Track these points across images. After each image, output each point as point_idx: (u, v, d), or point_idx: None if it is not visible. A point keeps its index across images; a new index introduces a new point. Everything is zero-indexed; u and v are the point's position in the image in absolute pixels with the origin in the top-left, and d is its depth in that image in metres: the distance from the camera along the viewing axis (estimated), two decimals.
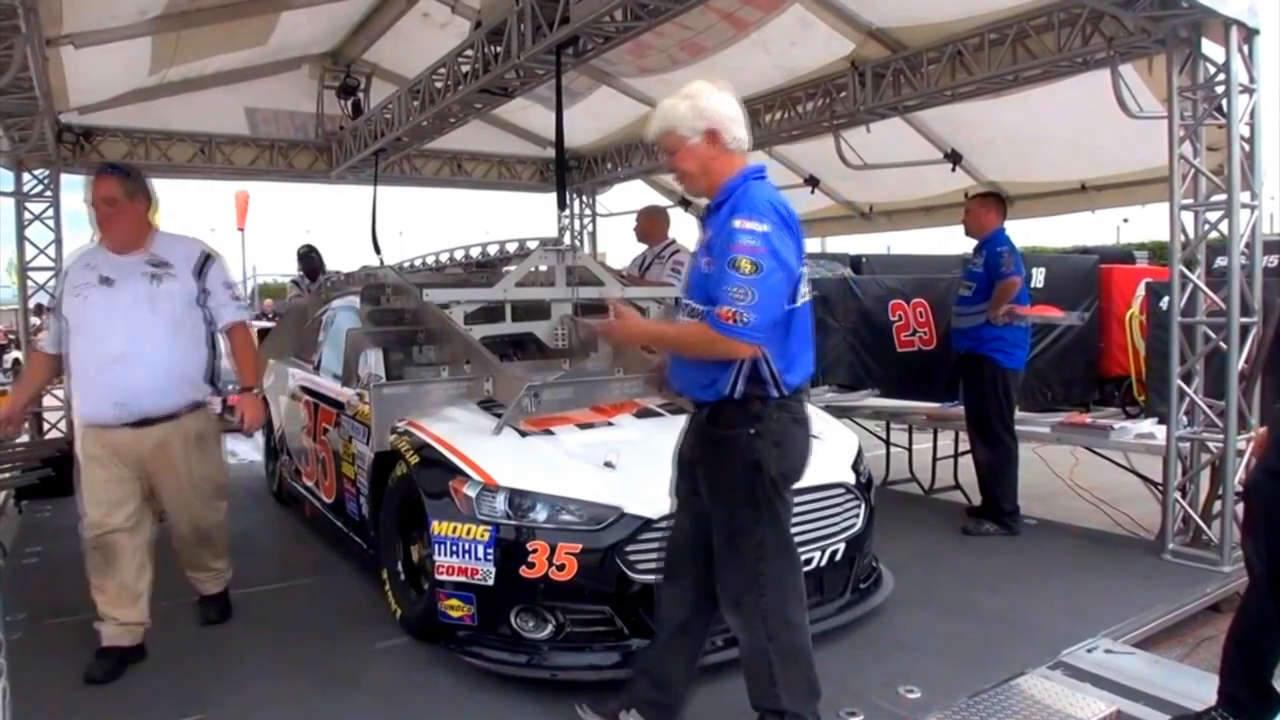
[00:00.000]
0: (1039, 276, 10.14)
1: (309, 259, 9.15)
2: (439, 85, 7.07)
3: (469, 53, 6.52)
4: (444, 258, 6.37)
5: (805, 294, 2.87)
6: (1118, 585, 4.71)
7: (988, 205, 5.89)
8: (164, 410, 3.92)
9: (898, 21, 6.62)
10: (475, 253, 6.05)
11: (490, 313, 5.18)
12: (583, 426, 4.08)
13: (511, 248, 5.69)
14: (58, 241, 8.37)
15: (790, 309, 2.80)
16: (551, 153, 8.90)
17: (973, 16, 6.10)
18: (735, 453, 2.84)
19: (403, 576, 4.27)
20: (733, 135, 2.89)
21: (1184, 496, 5.23)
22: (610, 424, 4.12)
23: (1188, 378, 5.15)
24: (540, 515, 3.58)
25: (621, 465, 3.74)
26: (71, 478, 7.48)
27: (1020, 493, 5.83)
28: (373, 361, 5.03)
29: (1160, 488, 5.39)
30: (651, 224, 7.03)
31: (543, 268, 5.43)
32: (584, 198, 11.45)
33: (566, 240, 6.75)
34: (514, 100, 7.08)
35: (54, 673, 3.76)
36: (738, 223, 2.70)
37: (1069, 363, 10.65)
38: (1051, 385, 10.50)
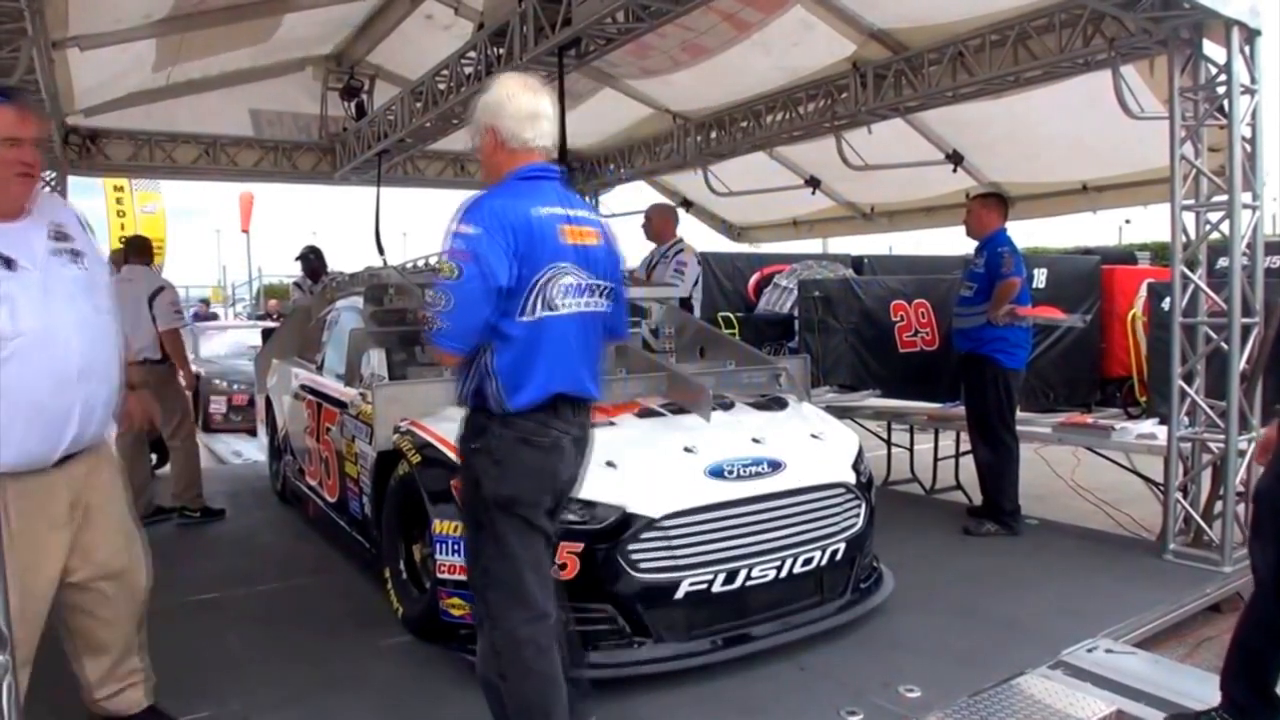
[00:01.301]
0: (1041, 277, 10.15)
1: (309, 260, 9.18)
2: (441, 87, 7.09)
3: (471, 54, 6.55)
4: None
5: (567, 306, 2.69)
6: (1118, 585, 4.72)
7: (989, 206, 5.90)
8: (100, 437, 2.95)
9: (899, 22, 6.63)
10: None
11: None
12: None
13: None
14: None
15: (530, 321, 2.62)
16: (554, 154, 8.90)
17: (974, 18, 6.10)
18: (464, 466, 2.76)
19: (405, 575, 4.29)
20: (511, 133, 2.72)
21: (1185, 497, 5.24)
22: (612, 423, 4.12)
23: (1189, 378, 5.16)
24: None
25: (623, 465, 3.75)
26: None
27: (1021, 493, 5.83)
28: (375, 361, 5.05)
29: (1161, 488, 5.40)
30: (662, 222, 6.93)
31: None
32: (587, 199, 11.42)
33: None
34: None
35: (60, 671, 3.76)
36: (453, 225, 2.60)
37: (1071, 363, 10.66)
38: (1054, 386, 10.51)
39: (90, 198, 25.06)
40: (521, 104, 2.73)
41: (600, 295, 2.81)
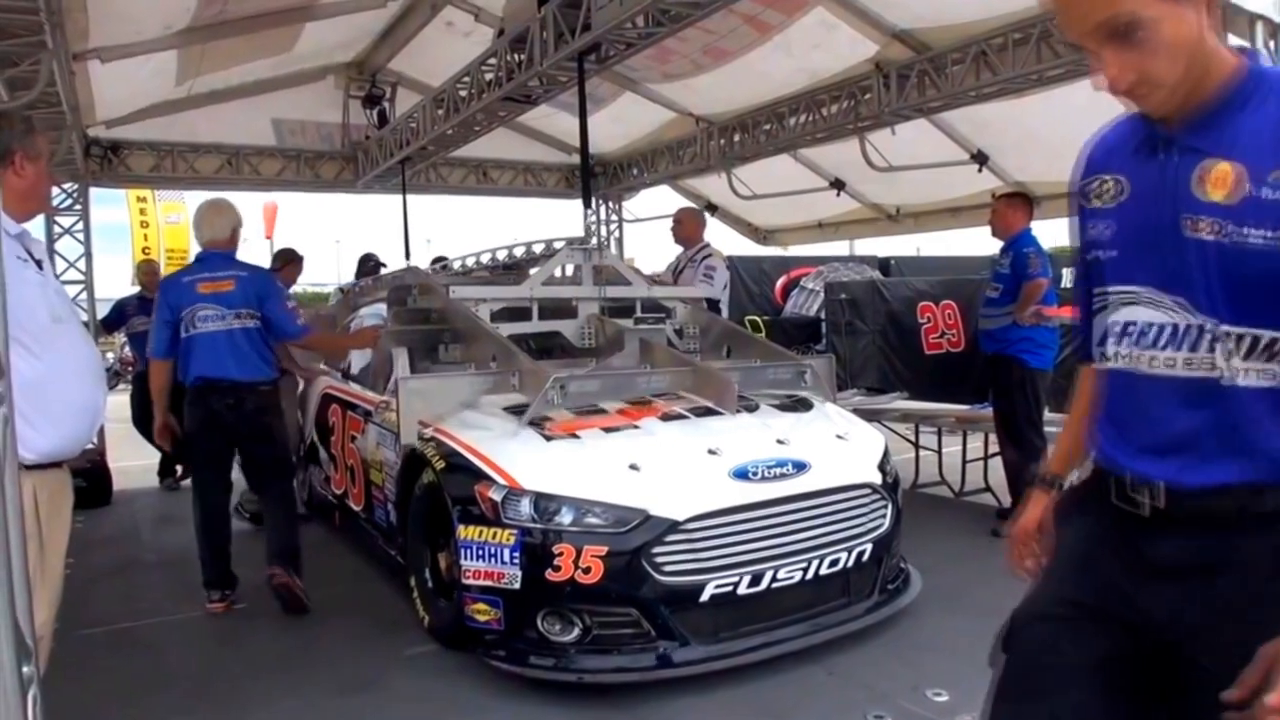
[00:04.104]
0: (1069, 277, 10.02)
1: (368, 267, 8.92)
2: (463, 94, 7.11)
3: (492, 61, 6.56)
4: (470, 261, 6.40)
5: (206, 327, 4.62)
6: None
7: (1014, 206, 5.85)
8: None
9: (921, 22, 6.58)
10: (502, 255, 6.08)
11: (517, 314, 5.20)
12: (608, 430, 4.07)
13: (538, 248, 5.72)
14: (87, 255, 8.50)
15: (185, 337, 4.63)
16: (577, 158, 8.90)
17: (996, 16, 6.05)
18: None
19: (430, 584, 4.27)
20: (196, 237, 4.99)
21: None
22: (636, 427, 4.11)
23: None
24: (566, 518, 3.58)
25: (647, 468, 3.74)
26: (105, 489, 7.65)
27: None
28: (400, 364, 5.07)
29: None
30: (692, 225, 6.94)
31: (569, 268, 5.45)
32: (610, 204, 11.46)
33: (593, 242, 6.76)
34: (538, 107, 7.12)
35: (83, 681, 3.79)
36: None
37: None
38: None
39: (114, 208, 25.29)
40: (198, 220, 4.94)
41: (242, 317, 4.66)
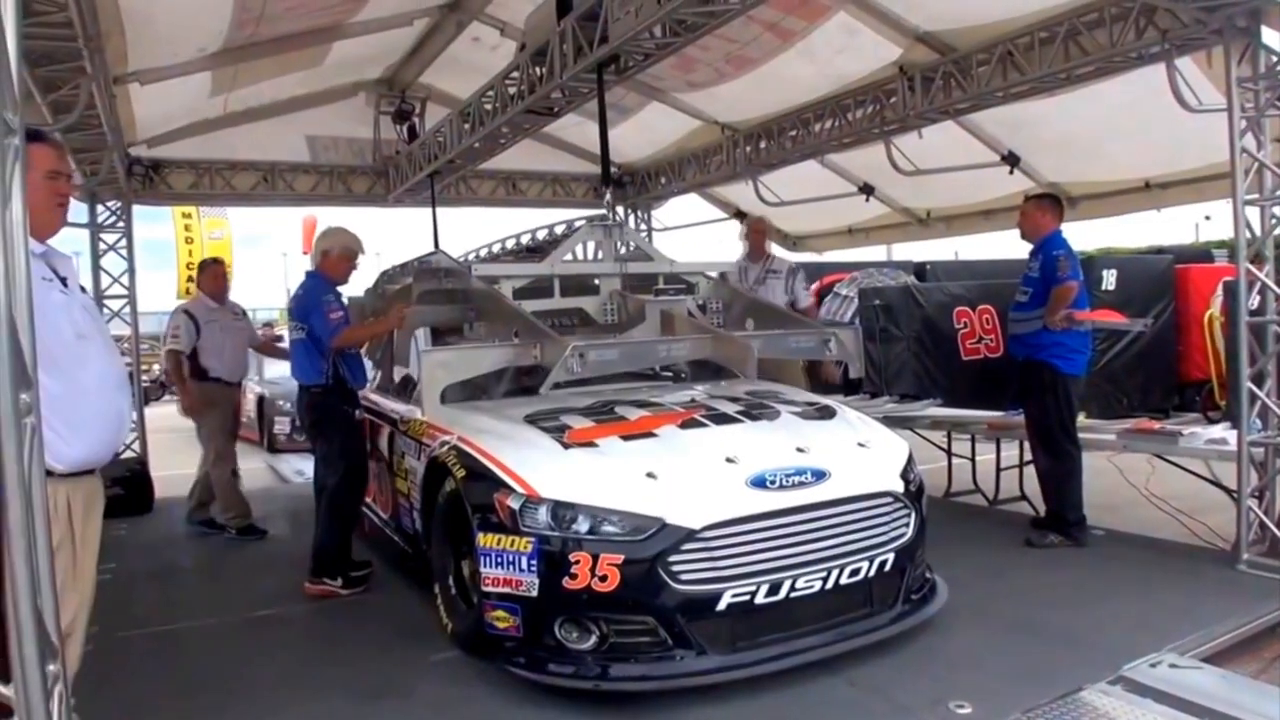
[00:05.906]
0: (1110, 279, 9.79)
1: None
2: (488, 107, 7.15)
3: (515, 74, 6.59)
4: (496, 248, 6.47)
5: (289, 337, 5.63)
6: (1187, 598, 4.53)
7: (1043, 207, 5.76)
8: None
9: (945, 24, 6.50)
10: (525, 239, 6.16)
11: (539, 293, 5.25)
12: (626, 438, 4.06)
13: (560, 229, 5.76)
14: (131, 270, 8.69)
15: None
16: None
17: (1022, 15, 5.97)
18: None
19: (454, 591, 4.30)
20: None
21: (1259, 504, 5.01)
22: (654, 435, 4.10)
23: (1259, 379, 4.95)
24: (582, 526, 3.58)
25: (664, 476, 3.73)
26: (145, 496, 7.83)
27: (1093, 502, 5.65)
28: (421, 338, 5.17)
29: (1236, 495, 5.17)
30: (762, 235, 7.39)
31: (591, 248, 5.49)
32: (639, 213, 11.44)
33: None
34: (565, 118, 7.14)
35: (118, 682, 3.88)
36: None
37: (1146, 367, 10.26)
38: (1128, 391, 10.14)
39: (160, 225, 25.85)
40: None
41: (295, 330, 5.38)
